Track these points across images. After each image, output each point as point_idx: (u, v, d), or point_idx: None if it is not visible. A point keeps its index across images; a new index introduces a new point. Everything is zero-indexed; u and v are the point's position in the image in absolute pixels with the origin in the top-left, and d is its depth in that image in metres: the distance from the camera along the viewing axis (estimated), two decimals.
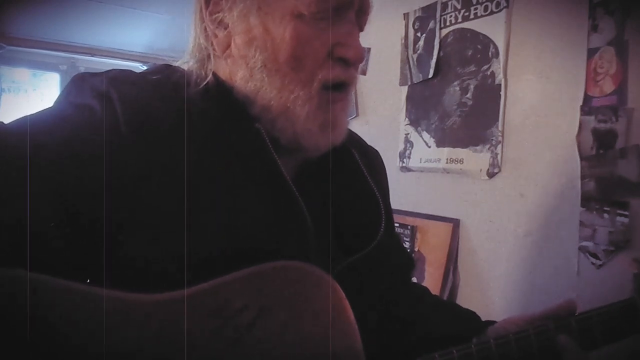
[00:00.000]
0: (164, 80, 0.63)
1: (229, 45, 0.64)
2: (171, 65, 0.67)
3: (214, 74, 0.65)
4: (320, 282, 0.58)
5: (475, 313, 0.81)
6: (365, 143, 0.85)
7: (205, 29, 0.65)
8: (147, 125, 0.57)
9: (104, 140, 0.54)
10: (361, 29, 0.66)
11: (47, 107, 0.59)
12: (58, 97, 0.61)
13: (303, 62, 0.61)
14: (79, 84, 0.60)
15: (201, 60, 0.66)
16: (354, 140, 0.79)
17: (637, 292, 0.68)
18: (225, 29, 0.63)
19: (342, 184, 0.71)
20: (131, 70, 0.64)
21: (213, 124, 0.62)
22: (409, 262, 0.87)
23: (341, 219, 0.69)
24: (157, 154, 0.56)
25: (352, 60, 0.63)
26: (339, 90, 0.64)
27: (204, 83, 0.63)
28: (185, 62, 0.67)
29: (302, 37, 0.60)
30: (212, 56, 0.65)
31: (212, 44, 0.65)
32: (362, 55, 0.63)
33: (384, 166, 0.86)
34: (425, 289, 0.88)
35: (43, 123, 0.56)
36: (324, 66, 0.62)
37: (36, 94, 2.92)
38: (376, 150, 0.87)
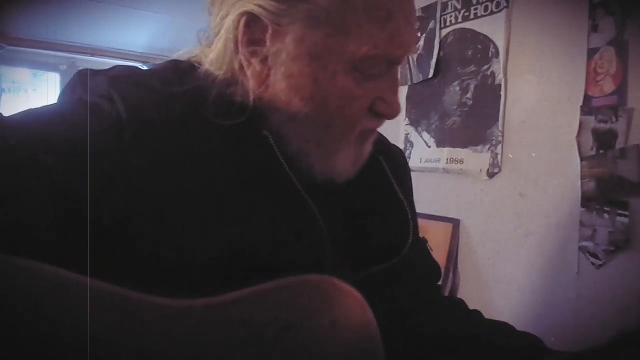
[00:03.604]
0: (173, 81, 0.60)
1: (266, 78, 0.60)
2: (181, 66, 0.63)
3: (252, 101, 0.61)
4: (351, 299, 0.56)
5: (531, 337, 0.73)
6: (388, 142, 0.81)
7: (238, 53, 0.60)
8: (150, 129, 0.55)
9: (108, 139, 0.53)
10: None
11: (51, 103, 0.58)
12: (63, 91, 0.60)
13: (347, 116, 0.60)
14: (84, 81, 0.59)
15: (230, 79, 0.61)
16: (379, 143, 0.76)
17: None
18: (263, 61, 0.59)
19: (369, 194, 0.69)
20: (136, 69, 0.62)
21: (224, 137, 0.59)
22: (435, 269, 0.82)
23: (367, 230, 0.68)
24: (159, 157, 0.55)
25: (389, 117, 0.63)
26: (372, 133, 0.65)
27: (240, 107, 0.60)
28: (207, 65, 0.62)
29: (352, 93, 0.58)
30: (247, 83, 0.61)
31: (244, 70, 0.60)
32: (399, 111, 0.63)
33: (408, 165, 0.83)
34: (464, 302, 0.82)
35: (47, 118, 0.55)
36: (365, 118, 0.61)
37: (36, 94, 2.92)
38: (399, 149, 0.83)
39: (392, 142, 0.82)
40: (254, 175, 0.60)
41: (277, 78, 0.59)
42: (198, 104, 0.59)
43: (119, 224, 0.52)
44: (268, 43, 0.58)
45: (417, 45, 0.64)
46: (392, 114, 0.62)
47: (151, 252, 0.53)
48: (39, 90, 2.93)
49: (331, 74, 0.57)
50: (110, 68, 0.61)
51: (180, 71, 0.62)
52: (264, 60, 0.59)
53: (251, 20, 0.57)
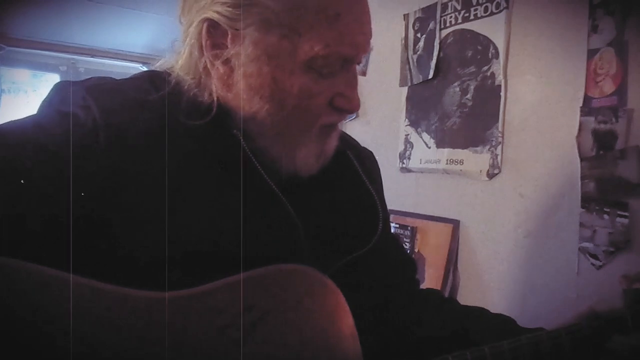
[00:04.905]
0: (146, 88, 0.64)
1: (229, 79, 0.63)
2: (156, 75, 0.67)
3: (217, 101, 0.64)
4: (324, 286, 0.59)
5: (510, 319, 0.81)
6: (359, 145, 0.87)
7: (203, 57, 0.64)
8: (124, 133, 0.58)
9: (84, 145, 0.56)
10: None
11: (30, 114, 0.61)
12: (42, 103, 0.62)
13: (307, 112, 0.63)
14: (61, 93, 0.62)
15: (198, 82, 0.65)
16: (348, 142, 0.81)
17: (627, 308, 0.70)
18: (226, 63, 0.62)
19: (339, 186, 0.72)
20: (111, 79, 0.66)
21: (196, 137, 0.63)
22: (409, 262, 0.87)
23: (338, 221, 0.70)
24: (135, 161, 0.58)
25: (349, 111, 0.66)
26: (333, 128, 0.68)
27: (207, 107, 0.63)
28: (177, 71, 0.66)
29: (309, 90, 0.61)
30: (212, 84, 0.64)
31: (210, 73, 0.64)
32: (358, 106, 0.66)
33: (379, 167, 0.87)
34: (439, 292, 0.88)
35: (26, 129, 0.58)
36: (324, 113, 0.64)
37: (36, 94, 2.91)
38: (370, 152, 0.88)
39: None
40: (227, 173, 0.63)
41: (238, 78, 0.62)
42: (171, 109, 0.62)
43: (99, 222, 0.55)
44: (229, 46, 0.61)
45: (370, 45, 0.65)
46: (352, 108, 0.65)
47: (131, 248, 0.56)
48: (38, 91, 2.92)
49: (288, 73, 0.60)
50: (86, 79, 0.65)
51: (154, 80, 0.66)
52: (226, 62, 0.62)
53: (212, 26, 0.61)
